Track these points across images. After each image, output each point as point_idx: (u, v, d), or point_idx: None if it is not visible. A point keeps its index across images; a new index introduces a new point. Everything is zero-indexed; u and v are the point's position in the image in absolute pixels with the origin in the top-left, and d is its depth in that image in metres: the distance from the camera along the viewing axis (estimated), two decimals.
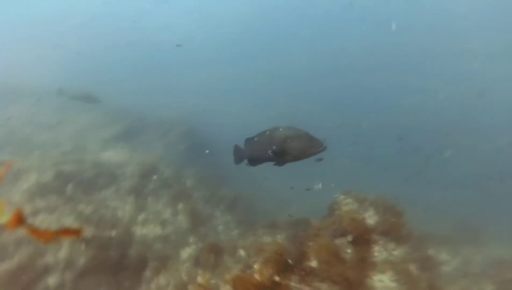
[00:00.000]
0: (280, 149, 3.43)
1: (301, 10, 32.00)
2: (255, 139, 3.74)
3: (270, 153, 3.48)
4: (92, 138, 10.43)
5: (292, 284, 3.19)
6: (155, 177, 7.88)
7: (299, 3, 31.20)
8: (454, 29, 26.31)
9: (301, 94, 34.06)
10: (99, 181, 6.53)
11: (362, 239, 3.87)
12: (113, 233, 4.98)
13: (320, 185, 6.22)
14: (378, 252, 4.26)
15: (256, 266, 3.27)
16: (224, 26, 33.91)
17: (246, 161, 4.06)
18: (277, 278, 3.03)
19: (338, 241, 3.91)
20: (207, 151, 12.06)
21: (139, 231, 5.94)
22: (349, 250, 3.84)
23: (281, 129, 3.53)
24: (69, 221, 4.52)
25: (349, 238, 3.70)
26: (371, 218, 4.52)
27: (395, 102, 29.99)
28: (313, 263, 3.62)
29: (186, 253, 6.02)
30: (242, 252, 5.21)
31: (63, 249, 3.93)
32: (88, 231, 4.43)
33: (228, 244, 5.29)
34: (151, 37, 33.34)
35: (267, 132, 3.62)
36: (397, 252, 4.53)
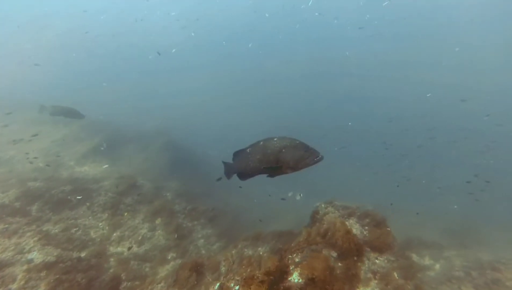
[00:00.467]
0: (275, 160, 3.22)
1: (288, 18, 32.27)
2: (248, 150, 3.49)
3: (264, 165, 3.25)
4: (68, 152, 9.92)
5: None
6: (133, 191, 7.52)
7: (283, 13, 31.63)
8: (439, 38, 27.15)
9: (286, 103, 34.28)
10: (71, 198, 6.10)
11: (351, 252, 3.71)
12: (83, 254, 4.60)
13: (299, 196, 6.07)
14: (361, 262, 4.13)
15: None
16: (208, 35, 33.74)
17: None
18: None
19: (325, 253, 3.75)
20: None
21: (113, 249, 5.55)
22: (338, 264, 3.67)
23: (275, 139, 3.33)
24: (30, 244, 4.11)
25: (334, 253, 3.52)
26: (352, 227, 4.39)
27: (380, 110, 30.72)
28: (295, 279, 3.44)
29: (164, 270, 5.68)
30: (223, 269, 4.93)
31: (18, 277, 3.52)
32: (52, 254, 4.03)
33: (208, 260, 5.00)
34: (130, 47, 32.77)
35: (261, 143, 3.41)
36: (380, 261, 4.41)
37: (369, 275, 4.03)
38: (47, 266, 3.78)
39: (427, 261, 6.78)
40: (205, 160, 14.69)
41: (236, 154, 3.65)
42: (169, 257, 6.14)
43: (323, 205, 5.09)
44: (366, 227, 4.59)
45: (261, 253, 5.30)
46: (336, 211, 4.65)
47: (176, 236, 6.66)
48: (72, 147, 10.26)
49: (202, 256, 5.57)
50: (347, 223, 4.54)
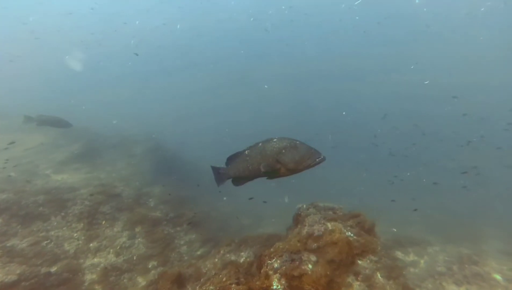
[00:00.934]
0: (275, 162, 3.05)
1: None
2: (246, 152, 3.31)
3: (264, 167, 3.07)
4: (45, 160, 9.45)
5: None
6: (112, 198, 7.19)
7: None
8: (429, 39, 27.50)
9: (271, 105, 34.22)
10: (43, 209, 5.75)
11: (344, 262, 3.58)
12: (54, 268, 4.30)
13: (286, 199, 5.96)
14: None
15: None
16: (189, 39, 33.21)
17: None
18: None
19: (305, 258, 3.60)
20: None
21: (89, 261, 5.25)
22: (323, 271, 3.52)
23: (274, 140, 3.18)
24: None
25: (313, 257, 3.38)
26: (334, 228, 4.26)
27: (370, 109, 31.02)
28: (275, 286, 3.28)
29: (145, 280, 5.42)
30: (202, 278, 4.73)
31: None
32: (14, 272, 3.73)
33: (189, 268, 4.78)
34: (110, 50, 31.93)
35: (260, 144, 3.25)
36: (363, 262, 4.31)
37: (351, 277, 3.91)
38: (5, 288, 3.46)
39: (412, 257, 6.78)
40: (191, 165, 14.40)
41: (232, 157, 3.44)
42: (149, 266, 5.88)
43: (304, 206, 4.97)
44: (350, 229, 4.48)
45: (244, 258, 5.14)
46: (318, 213, 4.51)
47: (157, 243, 6.40)
48: (49, 154, 9.80)
49: (183, 265, 5.34)
50: (329, 225, 4.43)
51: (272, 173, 3.11)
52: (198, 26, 30.89)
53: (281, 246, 3.48)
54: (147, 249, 6.15)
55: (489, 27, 22.39)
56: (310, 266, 3.42)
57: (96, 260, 5.34)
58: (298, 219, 4.56)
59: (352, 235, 4.39)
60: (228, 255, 5.13)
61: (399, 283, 4.63)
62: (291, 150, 3.00)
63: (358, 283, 3.94)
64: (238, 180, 3.46)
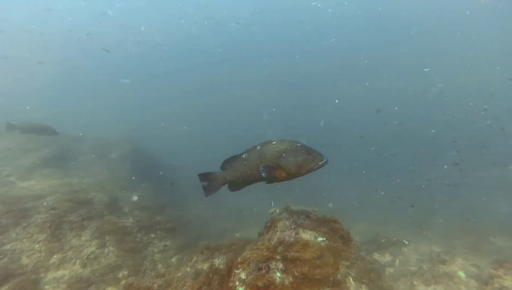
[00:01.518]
0: (275, 166, 2.85)
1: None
2: (243, 156, 3.11)
3: (262, 172, 2.86)
4: (11, 166, 8.85)
5: None
6: (82, 206, 6.79)
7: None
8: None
9: (254, 107, 34.02)
10: (0, 220, 5.31)
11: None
12: (4, 287, 3.93)
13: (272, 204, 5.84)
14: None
15: None
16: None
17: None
18: None
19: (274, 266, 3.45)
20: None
21: (51, 275, 4.88)
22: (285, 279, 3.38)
23: (274, 143, 2.98)
24: None
25: (281, 265, 3.23)
26: (307, 234, 4.15)
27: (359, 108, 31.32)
28: None
29: None
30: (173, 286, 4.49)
31: None
32: None
33: (158, 279, 4.52)
34: (87, 49, 30.66)
35: (258, 147, 3.06)
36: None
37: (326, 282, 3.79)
38: None
39: (387, 258, 6.82)
40: (170, 169, 14.01)
41: (228, 162, 3.22)
42: (120, 276, 5.57)
43: (277, 211, 4.83)
44: (323, 234, 4.38)
45: (216, 265, 4.93)
46: (290, 218, 4.39)
47: (129, 252, 6.08)
48: (16, 160, 9.19)
49: (153, 275, 5.07)
50: (301, 231, 4.31)
51: (272, 177, 2.91)
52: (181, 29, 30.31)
53: (248, 255, 3.31)
54: (118, 258, 5.82)
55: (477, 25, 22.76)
56: (278, 275, 3.29)
57: (59, 273, 4.98)
58: (270, 225, 4.41)
59: (323, 239, 4.30)
60: (200, 264, 4.91)
61: (372, 286, 4.59)
62: (292, 153, 2.81)
63: (328, 289, 3.84)
64: (235, 185, 3.27)
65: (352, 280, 4.35)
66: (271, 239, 3.90)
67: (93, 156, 11.66)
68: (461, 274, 4.79)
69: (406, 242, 7.51)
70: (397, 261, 6.63)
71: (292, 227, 4.11)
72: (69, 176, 9.31)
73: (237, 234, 7.46)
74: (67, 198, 6.74)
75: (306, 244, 3.69)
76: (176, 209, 8.54)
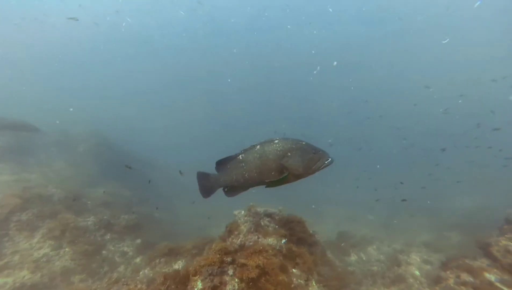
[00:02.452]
0: (278, 168, 2.56)
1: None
2: (240, 157, 2.76)
3: (265, 175, 2.58)
4: None
5: None
6: (36, 203, 6.22)
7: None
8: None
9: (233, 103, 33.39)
10: None
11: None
12: None
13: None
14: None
15: None
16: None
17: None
18: None
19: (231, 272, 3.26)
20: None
21: None
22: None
23: (276, 141, 2.68)
24: None
25: (230, 271, 3.05)
26: (269, 238, 4.01)
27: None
28: None
29: None
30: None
31: None
32: None
33: (116, 284, 4.19)
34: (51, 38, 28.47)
35: (257, 147, 2.72)
36: (297, 270, 4.12)
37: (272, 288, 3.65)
38: None
39: (352, 257, 6.90)
40: (142, 163, 13.41)
41: (223, 163, 2.85)
42: (75, 280, 5.15)
43: (243, 212, 4.65)
44: (283, 237, 4.26)
45: (177, 267, 4.69)
46: (251, 218, 4.23)
47: (88, 253, 5.65)
48: None
49: (111, 280, 4.71)
50: (264, 230, 4.16)
51: (276, 181, 2.58)
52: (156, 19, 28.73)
53: (202, 262, 3.10)
54: (74, 261, 5.39)
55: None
56: (231, 281, 3.11)
57: (2, 280, 4.49)
58: (230, 228, 4.22)
59: (285, 242, 4.18)
60: (160, 266, 4.64)
61: (329, 287, 4.55)
62: (297, 152, 2.54)
63: None
64: (231, 190, 2.89)
65: (315, 283, 4.30)
66: (232, 243, 3.72)
67: (57, 150, 10.87)
68: (417, 272, 4.91)
69: (372, 241, 7.66)
70: (361, 260, 6.70)
71: (252, 230, 3.96)
72: (26, 172, 8.57)
73: (210, 231, 7.22)
74: (17, 194, 6.14)
75: (260, 250, 3.51)
76: (143, 205, 8.11)
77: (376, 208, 11.70)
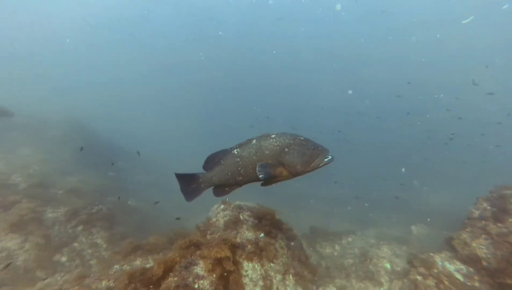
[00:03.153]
0: (276, 164, 2.37)
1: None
2: (234, 152, 2.54)
3: (261, 169, 2.35)
4: None
5: None
6: None
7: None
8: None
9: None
10: None
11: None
12: None
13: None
14: (252, 269, 3.72)
15: None
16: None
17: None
18: None
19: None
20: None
21: None
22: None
23: (273, 136, 2.48)
24: None
25: (200, 270, 2.95)
26: (247, 232, 3.95)
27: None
28: None
29: None
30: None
31: None
32: None
33: (78, 281, 3.96)
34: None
35: (253, 141, 2.51)
36: (274, 264, 4.11)
37: (247, 280, 3.59)
38: None
39: (327, 250, 7.05)
40: (118, 151, 12.84)
41: (214, 159, 2.62)
42: (42, 275, 4.83)
43: (222, 207, 4.56)
44: (263, 231, 4.22)
45: (152, 264, 4.52)
46: (230, 212, 4.16)
47: (52, 247, 5.31)
48: None
49: (76, 277, 4.46)
50: (242, 226, 4.10)
51: (272, 178, 2.42)
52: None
53: (171, 258, 2.96)
54: (40, 255, 5.05)
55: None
56: (203, 276, 3.01)
57: None
58: (208, 222, 4.12)
59: (262, 236, 4.15)
60: (133, 261, 4.44)
61: (308, 283, 4.62)
62: (296, 148, 2.36)
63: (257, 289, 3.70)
64: (223, 188, 2.66)
65: (292, 276, 4.32)
66: (208, 237, 3.63)
67: (28, 136, 10.10)
68: (388, 265, 5.10)
69: (347, 235, 7.86)
70: (336, 253, 6.86)
71: (231, 224, 3.88)
72: None
73: (188, 223, 7.04)
74: None
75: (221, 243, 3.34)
76: (118, 194, 7.74)
77: (352, 202, 12.09)
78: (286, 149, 2.39)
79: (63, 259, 5.23)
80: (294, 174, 2.41)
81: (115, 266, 4.58)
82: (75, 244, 5.58)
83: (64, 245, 5.46)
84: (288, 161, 2.35)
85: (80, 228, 5.96)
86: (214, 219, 4.13)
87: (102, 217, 6.37)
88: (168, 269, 2.83)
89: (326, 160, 2.31)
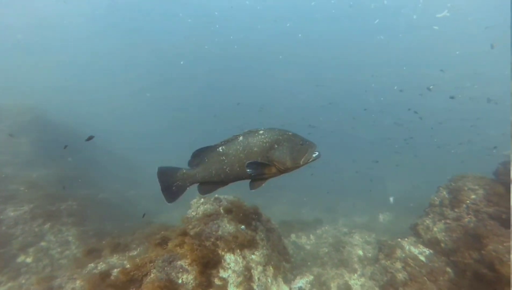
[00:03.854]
0: (265, 161, 2.27)
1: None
2: (220, 149, 2.41)
3: (250, 168, 2.26)
4: None
5: None
6: None
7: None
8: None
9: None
10: None
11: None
12: None
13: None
14: (234, 262, 3.74)
15: None
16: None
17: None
18: None
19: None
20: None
21: None
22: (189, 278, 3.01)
23: (261, 132, 2.38)
24: None
25: (184, 262, 2.91)
26: (228, 225, 3.96)
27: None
28: None
29: None
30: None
31: None
32: None
33: (44, 283, 3.71)
34: None
35: (240, 137, 2.40)
36: (255, 256, 4.17)
37: (222, 271, 3.60)
38: None
39: (303, 239, 7.30)
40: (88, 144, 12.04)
41: (199, 156, 2.48)
42: (3, 280, 4.44)
43: (202, 200, 4.50)
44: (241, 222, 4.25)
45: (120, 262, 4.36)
46: (210, 206, 4.13)
47: (21, 246, 4.91)
48: None
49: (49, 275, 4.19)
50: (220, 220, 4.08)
51: (261, 175, 2.35)
52: None
53: (153, 256, 2.89)
54: (2, 256, 4.63)
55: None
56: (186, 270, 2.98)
57: None
58: (188, 216, 4.06)
59: (243, 228, 4.19)
60: (110, 260, 4.25)
61: (283, 271, 4.76)
62: (285, 144, 2.31)
63: (241, 278, 3.76)
64: (208, 186, 2.55)
65: (272, 267, 4.42)
66: (190, 231, 3.57)
67: None
68: (360, 252, 5.44)
69: (321, 225, 8.19)
70: (311, 243, 7.12)
71: (212, 218, 3.86)
72: None
73: (162, 216, 6.87)
74: None
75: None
76: (87, 187, 7.32)
77: (324, 193, 12.56)
78: (276, 145, 2.34)
79: (28, 260, 4.86)
80: (283, 171, 2.38)
81: (89, 265, 4.36)
82: (42, 243, 5.20)
83: (30, 245, 5.06)
84: (278, 157, 2.31)
85: (47, 226, 5.55)
86: (194, 213, 4.07)
87: (71, 212, 5.99)
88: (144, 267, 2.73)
89: (314, 155, 2.31)
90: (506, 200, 4.18)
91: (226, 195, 4.84)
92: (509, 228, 3.79)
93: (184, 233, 3.20)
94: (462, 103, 20.74)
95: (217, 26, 25.29)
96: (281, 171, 2.35)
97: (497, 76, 22.14)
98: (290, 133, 2.38)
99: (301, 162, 2.28)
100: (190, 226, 3.73)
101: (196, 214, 4.06)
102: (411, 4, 20.49)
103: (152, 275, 2.67)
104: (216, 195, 4.58)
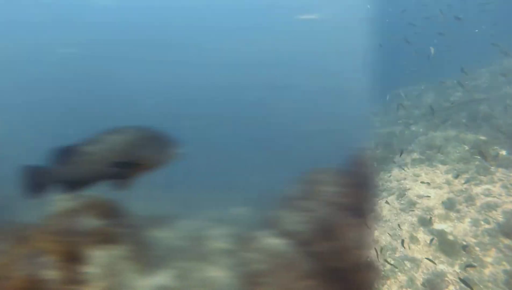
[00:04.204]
0: (131, 160, 2.31)
1: None
2: (85, 148, 2.38)
3: (113, 167, 2.27)
4: None
5: None
6: None
7: None
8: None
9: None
10: None
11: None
12: None
13: None
14: (97, 257, 3.36)
15: None
16: None
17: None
18: None
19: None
20: None
21: None
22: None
23: (125, 130, 2.42)
24: None
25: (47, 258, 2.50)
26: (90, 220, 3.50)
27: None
28: None
29: None
30: None
31: None
32: None
33: None
34: None
35: (103, 137, 2.41)
36: (117, 251, 3.85)
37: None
38: None
39: (162, 234, 6.96)
40: None
41: (61, 155, 2.42)
42: None
43: (62, 196, 3.72)
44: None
45: None
46: (72, 202, 3.58)
47: None
48: None
49: None
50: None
51: (127, 174, 2.41)
52: None
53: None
54: None
55: None
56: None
57: None
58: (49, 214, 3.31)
59: (106, 223, 3.86)
60: None
61: (144, 266, 4.55)
62: (150, 141, 2.38)
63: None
64: (73, 185, 2.52)
65: (132, 262, 4.14)
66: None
67: None
68: (219, 246, 5.90)
69: (175, 218, 8.13)
70: (170, 237, 6.96)
71: (74, 214, 3.42)
72: None
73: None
74: None
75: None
76: None
77: (179, 185, 12.17)
78: (141, 143, 2.42)
79: None
80: (149, 167, 2.52)
81: None
82: None
83: None
84: (146, 155, 2.43)
85: None
86: (56, 209, 3.50)
87: None
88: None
89: (178, 150, 2.50)
90: (357, 191, 5.04)
91: (90, 192, 4.17)
92: (360, 218, 4.65)
93: (47, 230, 2.90)
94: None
95: None
96: (148, 168, 2.54)
97: None
98: (154, 130, 2.55)
99: (166, 159, 2.50)
100: (53, 223, 3.20)
101: (58, 211, 3.51)
102: None
103: (15, 273, 2.43)
104: (79, 193, 3.90)
